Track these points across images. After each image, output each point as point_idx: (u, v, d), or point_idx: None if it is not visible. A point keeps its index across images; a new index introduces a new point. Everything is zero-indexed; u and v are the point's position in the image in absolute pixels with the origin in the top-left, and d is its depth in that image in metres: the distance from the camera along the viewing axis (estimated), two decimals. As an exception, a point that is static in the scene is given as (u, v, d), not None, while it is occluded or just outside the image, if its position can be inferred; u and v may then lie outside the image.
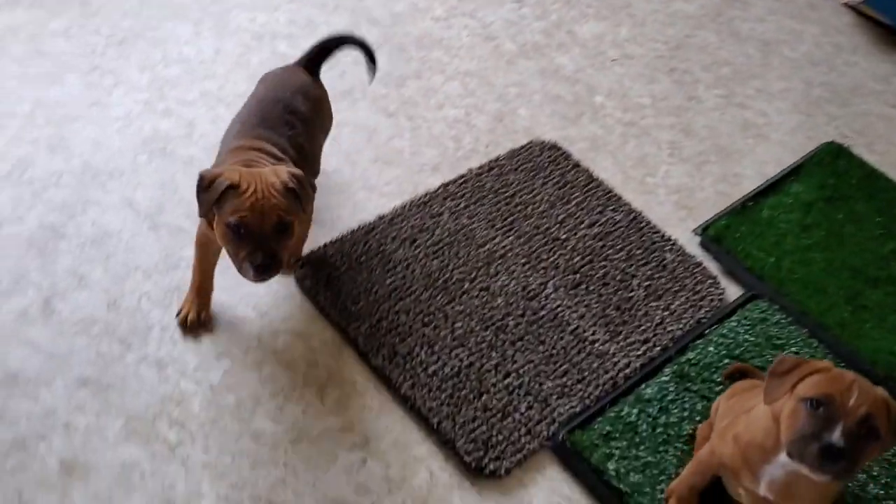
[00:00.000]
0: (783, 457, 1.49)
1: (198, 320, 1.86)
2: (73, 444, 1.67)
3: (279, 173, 1.65)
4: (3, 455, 1.63)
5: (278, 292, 1.98)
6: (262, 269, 1.61)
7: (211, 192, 1.60)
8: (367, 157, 2.33)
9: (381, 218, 2.17)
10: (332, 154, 2.31)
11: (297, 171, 1.68)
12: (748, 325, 2.10)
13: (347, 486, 1.71)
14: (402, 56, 2.66)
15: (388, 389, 1.86)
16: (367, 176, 2.28)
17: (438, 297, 2.03)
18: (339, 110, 2.43)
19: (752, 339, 2.07)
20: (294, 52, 2.46)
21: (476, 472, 1.76)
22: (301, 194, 1.65)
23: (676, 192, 2.45)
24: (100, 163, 2.14)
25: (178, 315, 1.87)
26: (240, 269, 1.64)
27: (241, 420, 1.76)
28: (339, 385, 1.85)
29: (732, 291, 2.22)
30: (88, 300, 1.88)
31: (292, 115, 1.84)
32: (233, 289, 1.94)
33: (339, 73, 2.54)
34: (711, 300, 2.17)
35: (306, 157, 1.88)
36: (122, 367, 1.79)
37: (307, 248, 2.05)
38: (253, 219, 1.59)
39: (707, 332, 2.08)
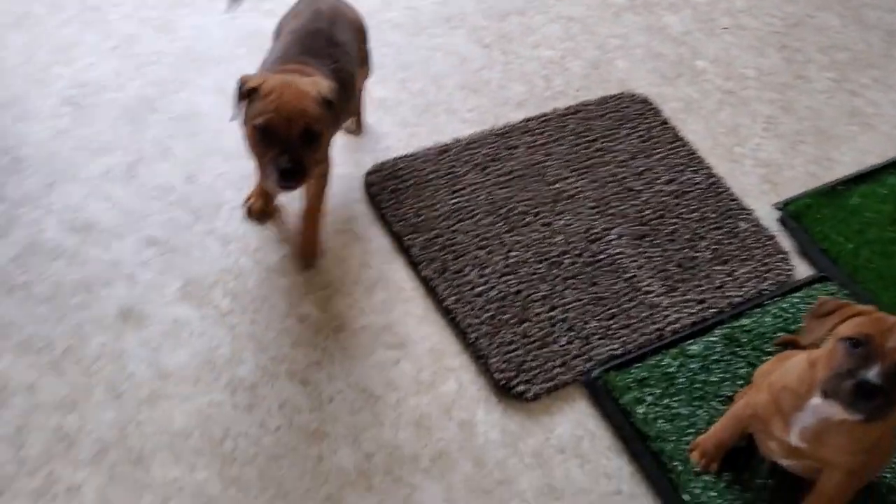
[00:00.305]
0: (816, 400, 1.45)
1: (261, 211, 1.93)
2: (132, 294, 1.78)
3: (318, 83, 1.61)
4: (70, 292, 1.75)
5: (346, 195, 2.04)
6: (286, 175, 1.54)
7: (239, 94, 1.57)
8: (455, 82, 2.36)
9: (456, 141, 2.20)
10: (420, 75, 2.34)
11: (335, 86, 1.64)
12: (812, 304, 2.04)
13: (378, 379, 1.76)
14: (505, -8, 2.67)
15: (432, 300, 1.90)
16: (450, 100, 2.31)
17: (498, 225, 2.05)
18: (436, 35, 2.47)
19: (812, 317, 2.01)
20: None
21: (504, 390, 1.79)
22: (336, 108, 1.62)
23: (764, 165, 2.38)
24: (201, 49, 2.24)
25: (245, 202, 1.95)
26: (264, 176, 1.61)
27: (291, 302, 1.83)
28: (387, 288, 1.90)
29: (802, 271, 2.15)
30: (169, 170, 1.98)
31: (334, 46, 1.77)
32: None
33: (438, 0, 2.57)
34: (778, 274, 2.11)
35: (348, 92, 1.81)
36: (189, 235, 1.89)
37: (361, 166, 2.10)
38: (279, 122, 1.54)
39: (767, 303, 2.02)
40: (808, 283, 2.10)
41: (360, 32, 1.90)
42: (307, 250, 1.90)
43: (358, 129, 2.15)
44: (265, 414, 1.67)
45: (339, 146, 2.11)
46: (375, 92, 2.27)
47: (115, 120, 2.04)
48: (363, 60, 1.98)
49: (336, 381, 1.74)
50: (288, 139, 1.55)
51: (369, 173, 2.08)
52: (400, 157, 2.13)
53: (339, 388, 1.73)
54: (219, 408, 1.66)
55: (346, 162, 2.09)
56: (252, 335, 1.77)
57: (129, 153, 1.99)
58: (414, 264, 1.95)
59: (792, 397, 1.51)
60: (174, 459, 1.58)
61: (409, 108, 2.26)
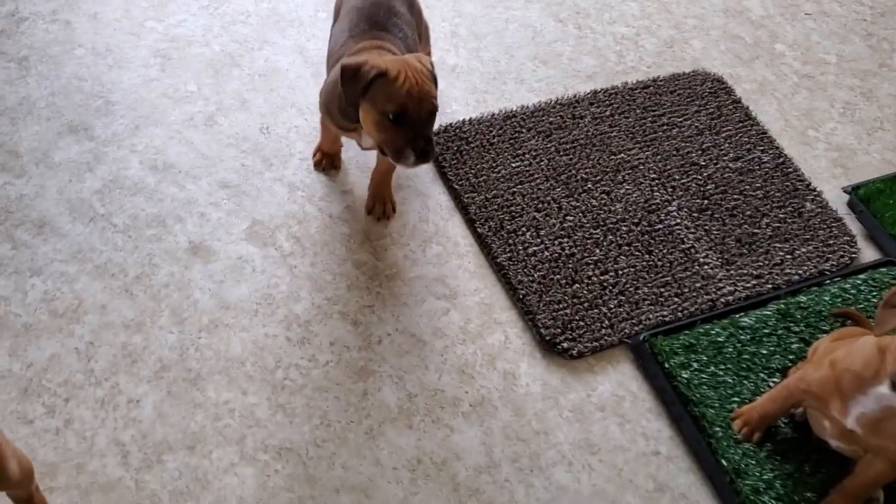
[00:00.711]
0: (883, 388, 1.42)
1: (327, 163, 2.02)
2: (202, 230, 1.88)
3: (422, 60, 1.66)
4: (146, 224, 1.87)
5: (411, 152, 2.11)
6: (425, 155, 1.62)
7: (359, 80, 1.60)
8: (527, 53, 2.40)
9: (523, 108, 2.24)
10: (493, 45, 2.39)
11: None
12: (875, 286, 1.99)
13: (427, 326, 1.82)
14: (586, -29, 2.69)
15: (486, 257, 1.95)
16: (521, 70, 2.35)
17: (557, 189, 2.08)
18: (512, 7, 2.51)
19: (874, 299, 1.96)
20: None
21: (549, 346, 1.82)
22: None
23: (837, 150, 2.33)
24: (284, 11, 2.35)
25: (313, 155, 2.03)
26: (397, 157, 1.65)
27: (349, 249, 1.91)
28: (443, 243, 1.96)
29: (868, 255, 2.10)
30: (246, 121, 2.09)
31: (396, 17, 1.83)
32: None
33: (520, -26, 2.62)
34: (842, 256, 2.07)
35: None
36: (259, 181, 1.99)
37: (447, 121, 2.16)
38: (413, 106, 1.60)
39: (827, 282, 1.99)
40: (873, 266, 2.06)
41: (414, 6, 1.96)
42: (378, 206, 1.97)
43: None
44: (316, 349, 1.75)
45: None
46: (448, 59, 2.33)
47: (199, 72, 2.17)
48: (421, 36, 2.03)
49: (386, 325, 1.80)
50: (419, 121, 1.62)
51: (435, 134, 2.14)
52: (466, 121, 2.18)
53: (388, 330, 1.80)
54: (273, 339, 1.75)
55: (413, 122, 2.16)
56: (310, 276, 1.85)
57: (210, 103, 2.11)
58: (471, 221, 2.00)
59: (855, 380, 1.48)
60: (228, 383, 1.68)
61: (479, 75, 2.31)
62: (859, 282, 2.00)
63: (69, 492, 1.51)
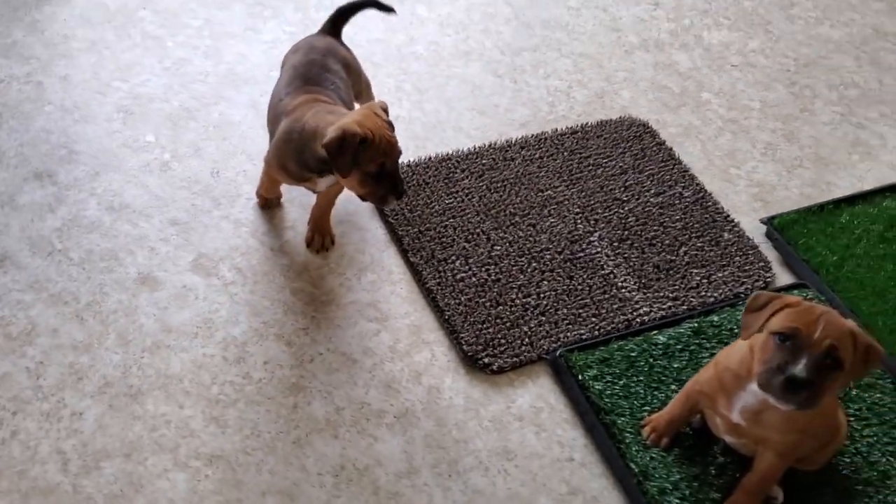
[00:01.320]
0: (755, 385, 1.55)
1: (267, 202, 2.17)
2: (151, 263, 2.04)
3: (377, 111, 1.84)
4: (99, 258, 2.03)
5: (351, 193, 2.27)
6: (402, 194, 1.84)
7: (347, 151, 1.75)
8: (465, 105, 2.59)
9: (458, 151, 2.41)
10: (434, 98, 2.59)
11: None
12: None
13: (357, 346, 1.95)
14: (526, 32, 2.91)
15: (417, 284, 2.09)
16: (460, 119, 2.54)
17: (486, 223, 2.24)
18: (454, 66, 2.72)
19: (782, 317, 2.08)
20: (433, 17, 2.80)
21: (471, 361, 1.94)
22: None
23: (758, 185, 2.49)
24: (240, 71, 2.56)
25: (257, 192, 2.18)
26: (381, 202, 1.87)
27: (288, 278, 2.06)
28: (377, 271, 2.10)
29: (783, 281, 2.23)
30: (198, 166, 2.27)
31: (329, 73, 2.02)
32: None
33: (463, 37, 2.83)
34: (756, 280, 2.20)
35: (348, 107, 2.04)
36: (207, 219, 2.15)
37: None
38: (390, 160, 1.81)
39: (741, 303, 2.12)
40: (786, 288, 2.19)
41: (349, 66, 2.13)
42: (318, 239, 2.12)
43: None
44: (251, 367, 1.88)
45: (350, 153, 2.36)
46: (392, 110, 2.52)
47: (158, 125, 2.36)
48: (363, 90, 2.23)
49: (318, 345, 1.94)
50: (394, 168, 1.82)
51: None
52: (404, 164, 2.35)
53: (320, 350, 1.93)
54: (211, 359, 1.88)
55: (354, 166, 2.34)
56: (249, 302, 1.99)
57: (165, 151, 2.30)
58: (404, 251, 2.15)
59: (734, 378, 1.61)
60: (166, 398, 1.80)
61: (420, 124, 2.50)
62: (771, 302, 2.13)
63: (10, 496, 1.63)
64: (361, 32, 2.79)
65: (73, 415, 1.75)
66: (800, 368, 1.46)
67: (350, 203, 2.24)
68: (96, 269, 2.01)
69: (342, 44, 2.17)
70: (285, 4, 2.84)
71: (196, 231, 2.12)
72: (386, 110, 1.88)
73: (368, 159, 1.77)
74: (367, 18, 2.86)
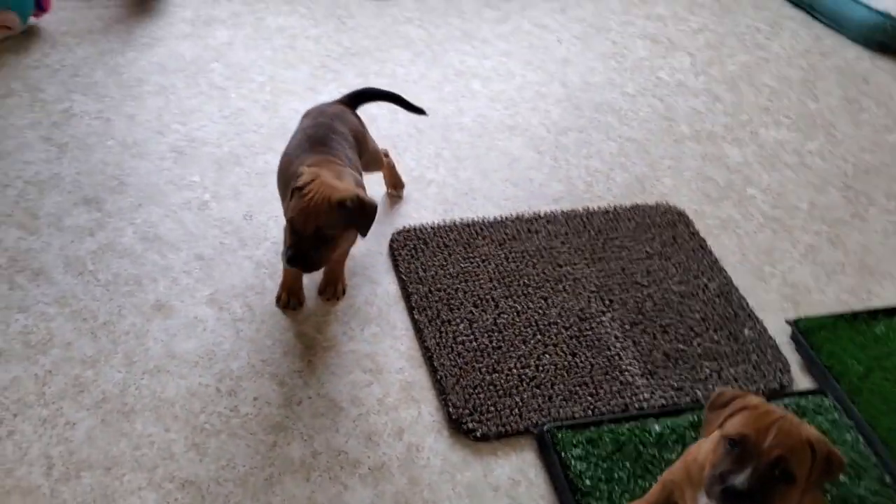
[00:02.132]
0: None
1: (296, 301, 2.18)
2: (170, 292, 2.14)
3: (343, 190, 1.89)
4: (124, 282, 2.15)
5: (371, 247, 2.34)
6: (290, 260, 1.90)
7: (371, 216, 1.92)
8: (500, 176, 2.64)
9: (483, 218, 2.45)
10: (471, 167, 2.65)
11: (363, 195, 1.92)
12: (800, 411, 2.02)
13: (347, 395, 1.97)
14: (576, 113, 2.96)
15: (418, 341, 2.11)
16: (492, 189, 2.59)
17: (498, 290, 2.25)
18: (497, 139, 2.79)
19: (790, 421, 1.99)
20: (486, 92, 2.91)
21: (456, 424, 1.93)
22: (358, 216, 1.91)
23: (791, 286, 2.42)
24: (292, 126, 2.67)
25: (277, 298, 2.18)
26: (282, 254, 1.97)
27: (295, 321, 2.12)
28: (381, 325, 2.14)
29: (801, 385, 2.14)
30: (234, 208, 2.39)
31: (336, 135, 2.12)
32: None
33: (511, 113, 2.91)
34: (771, 380, 2.12)
35: (355, 166, 2.11)
36: (231, 257, 2.25)
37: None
38: (298, 221, 1.88)
39: (747, 401, 2.04)
40: (803, 393, 2.09)
41: (356, 132, 2.21)
42: (330, 289, 2.19)
43: (398, 194, 2.51)
44: (241, 401, 1.93)
45: (381, 210, 2.44)
46: (427, 174, 2.60)
47: (205, 167, 2.51)
48: (370, 160, 2.29)
49: (309, 389, 1.98)
50: (303, 234, 1.89)
51: (397, 232, 2.37)
52: (428, 225, 2.41)
53: (309, 394, 1.97)
54: (205, 388, 1.95)
55: (382, 222, 2.41)
56: (252, 339, 2.06)
57: (207, 192, 2.43)
58: (411, 309, 2.18)
59: (700, 471, 1.56)
60: (155, 419, 1.87)
61: (452, 190, 2.56)
62: (784, 405, 2.04)
63: (-8, 491, 1.72)
64: (413, 101, 2.90)
65: (66, 424, 1.84)
66: (741, 480, 1.41)
67: (367, 257, 2.31)
68: (119, 292, 2.13)
69: (354, 112, 2.27)
70: (348, 69, 3.00)
71: (218, 267, 2.22)
72: (359, 202, 1.90)
73: (291, 206, 1.91)
74: (420, 89, 2.98)
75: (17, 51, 2.86)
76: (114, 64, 2.87)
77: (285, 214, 1.98)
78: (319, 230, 1.89)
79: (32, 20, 2.94)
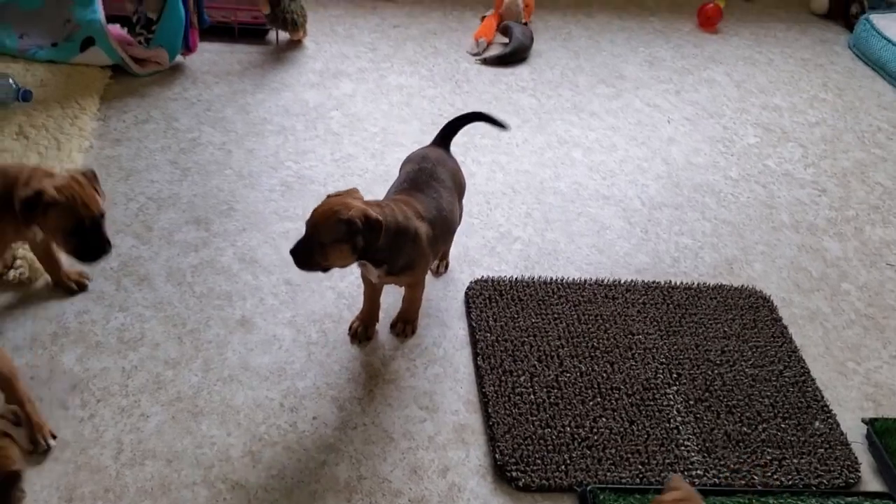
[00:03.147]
0: None
1: (364, 334, 2.28)
2: (256, 310, 2.30)
3: (354, 208, 1.94)
4: (217, 296, 2.33)
5: (449, 293, 2.43)
6: (291, 251, 1.97)
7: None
8: (587, 241, 2.68)
9: (563, 279, 2.49)
10: (559, 229, 2.71)
11: (371, 213, 1.95)
12: (862, 512, 1.93)
13: (400, 427, 2.04)
14: (674, 190, 2.97)
15: (478, 387, 2.16)
16: (576, 253, 2.63)
17: (564, 349, 2.28)
18: (589, 206, 2.85)
19: (849, 520, 1.90)
20: (586, 161, 2.98)
21: (500, 471, 1.96)
22: (366, 232, 1.94)
23: (875, 386, 2.32)
24: (394, 173, 2.85)
25: (350, 327, 2.30)
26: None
27: (364, 352, 2.22)
28: (445, 367, 2.21)
29: (870, 487, 2.04)
30: (327, 242, 2.55)
31: (436, 181, 2.20)
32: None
33: (608, 183, 2.96)
34: (836, 478, 2.03)
35: (444, 215, 2.17)
36: (317, 285, 2.40)
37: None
38: (307, 221, 1.97)
39: (806, 495, 1.96)
40: (868, 495, 2.00)
41: (457, 180, 2.30)
42: (400, 326, 2.29)
43: (439, 270, 2.51)
44: (300, 418, 2.03)
45: (459, 261, 2.53)
46: (514, 231, 2.68)
47: (309, 203, 2.69)
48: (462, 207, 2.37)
49: (366, 416, 2.06)
50: (305, 233, 1.98)
51: (474, 281, 2.45)
52: (507, 278, 2.48)
53: (365, 421, 2.05)
54: (270, 402, 2.06)
55: (462, 270, 2.50)
56: (322, 363, 2.17)
57: (297, 222, 2.60)
58: (475, 354, 2.24)
59: None
60: (220, 423, 2.00)
61: (536, 249, 2.63)
62: (845, 502, 1.95)
63: (67, 465, 1.87)
64: (513, 163, 3.01)
65: (141, 415, 2.00)
66: None
67: (443, 301, 2.40)
68: (210, 305, 2.30)
69: (450, 155, 2.36)
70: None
71: (303, 293, 2.37)
72: (367, 221, 1.95)
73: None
74: (522, 152, 3.09)
75: (162, 84, 3.18)
76: (243, 103, 3.14)
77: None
78: (315, 235, 1.96)
79: (180, 58, 3.27)
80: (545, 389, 2.16)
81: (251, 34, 3.56)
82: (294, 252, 1.99)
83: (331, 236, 1.95)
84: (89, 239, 2.07)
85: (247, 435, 1.99)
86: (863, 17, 4.26)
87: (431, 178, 2.21)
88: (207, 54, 3.39)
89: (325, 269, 2.02)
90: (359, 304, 2.33)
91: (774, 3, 4.69)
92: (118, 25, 3.22)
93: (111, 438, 1.94)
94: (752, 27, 4.37)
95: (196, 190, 2.69)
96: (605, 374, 2.22)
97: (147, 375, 2.09)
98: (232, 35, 3.52)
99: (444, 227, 2.19)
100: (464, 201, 2.38)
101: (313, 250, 1.98)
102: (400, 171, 2.31)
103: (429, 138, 2.49)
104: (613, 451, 2.03)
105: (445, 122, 2.40)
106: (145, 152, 2.82)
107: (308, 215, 1.98)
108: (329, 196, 2.04)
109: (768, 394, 2.23)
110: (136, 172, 2.73)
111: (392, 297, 2.34)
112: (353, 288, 2.40)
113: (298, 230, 2.56)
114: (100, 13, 3.06)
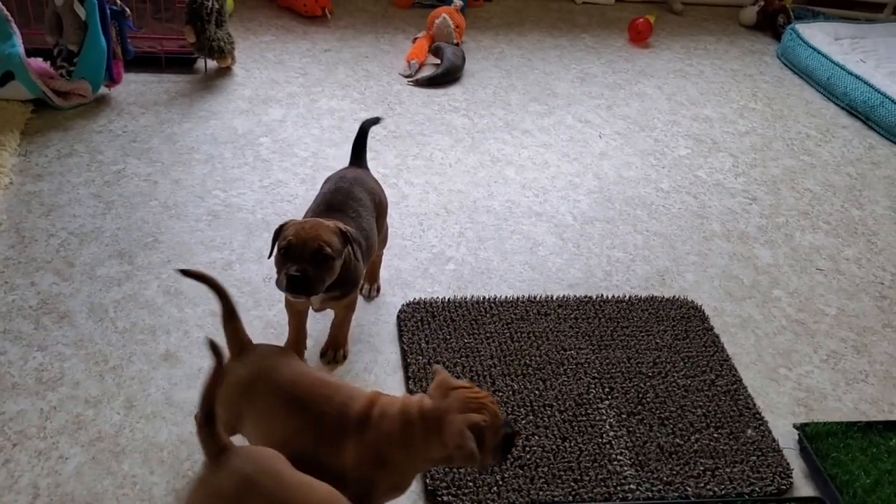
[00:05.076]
0: None
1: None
2: (181, 344, 2.24)
3: (336, 222, 1.98)
4: (140, 331, 2.27)
5: (380, 317, 2.40)
6: (292, 281, 1.87)
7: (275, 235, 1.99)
8: (519, 259, 2.68)
9: (496, 297, 2.48)
10: (492, 248, 2.71)
11: (343, 227, 1.97)
12: (791, 520, 1.94)
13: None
14: (605, 204, 2.99)
15: (410, 411, 2.13)
16: (509, 271, 2.63)
17: (497, 368, 2.26)
18: (522, 224, 2.85)
19: (781, 527, 1.90)
20: (519, 179, 2.98)
21: (431, 496, 1.93)
22: (353, 244, 1.98)
23: (807, 391, 2.34)
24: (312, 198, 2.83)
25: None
26: (277, 283, 1.94)
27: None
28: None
29: (802, 492, 2.05)
30: (256, 271, 2.51)
31: (354, 201, 2.17)
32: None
33: (540, 200, 2.96)
34: (769, 485, 2.03)
35: (365, 233, 2.15)
36: (244, 315, 2.28)
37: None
38: (296, 241, 1.90)
39: (741, 502, 1.96)
40: (798, 500, 2.00)
41: (377, 201, 2.27)
42: (331, 352, 2.26)
43: (371, 294, 2.48)
44: (226, 453, 1.98)
45: (392, 284, 2.51)
46: (448, 252, 2.67)
47: (236, 231, 2.65)
48: (386, 232, 2.36)
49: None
50: (301, 255, 1.91)
51: (406, 304, 2.43)
52: (439, 299, 2.46)
53: (294, 452, 2.00)
54: (195, 437, 2.00)
55: (394, 294, 2.47)
56: (249, 395, 2.13)
57: (233, 254, 2.56)
58: (407, 378, 2.21)
59: None
60: (142, 462, 1.94)
61: (469, 268, 2.62)
62: (776, 509, 1.96)
63: (-22, 514, 1.80)
64: (446, 183, 3.00)
65: (60, 458, 1.93)
66: None
67: (374, 325, 2.37)
68: (133, 340, 2.24)
69: (369, 174, 2.34)
70: (388, 150, 3.13)
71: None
72: (350, 234, 1.99)
73: (281, 238, 1.93)
74: (455, 172, 3.08)
75: (86, 116, 3.12)
76: (170, 132, 3.09)
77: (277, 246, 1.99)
78: (320, 249, 1.90)
79: (105, 90, 3.22)
80: (477, 410, 2.13)
81: (179, 63, 3.52)
82: (300, 279, 1.89)
83: (336, 250, 1.93)
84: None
85: (170, 473, 1.93)
86: (789, 27, 4.35)
87: (349, 197, 2.19)
88: (134, 85, 3.34)
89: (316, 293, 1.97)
90: (284, 330, 2.28)
91: (704, 16, 4.78)
92: (40, 59, 3.16)
93: (27, 484, 1.87)
94: (682, 40, 4.45)
95: (120, 223, 2.63)
96: (537, 392, 2.21)
97: (66, 416, 2.03)
98: (159, 65, 3.48)
99: (367, 247, 2.17)
100: (396, 223, 2.37)
101: (322, 267, 1.92)
102: (319, 191, 2.29)
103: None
104: (546, 469, 2.01)
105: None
106: (68, 186, 2.76)
107: (294, 234, 1.91)
108: (284, 224, 1.98)
109: (700, 404, 2.23)
110: (57, 207, 2.66)
111: (321, 325, 2.31)
112: (280, 317, 2.36)
113: (225, 260, 2.53)
114: (19, 46, 3.00)
